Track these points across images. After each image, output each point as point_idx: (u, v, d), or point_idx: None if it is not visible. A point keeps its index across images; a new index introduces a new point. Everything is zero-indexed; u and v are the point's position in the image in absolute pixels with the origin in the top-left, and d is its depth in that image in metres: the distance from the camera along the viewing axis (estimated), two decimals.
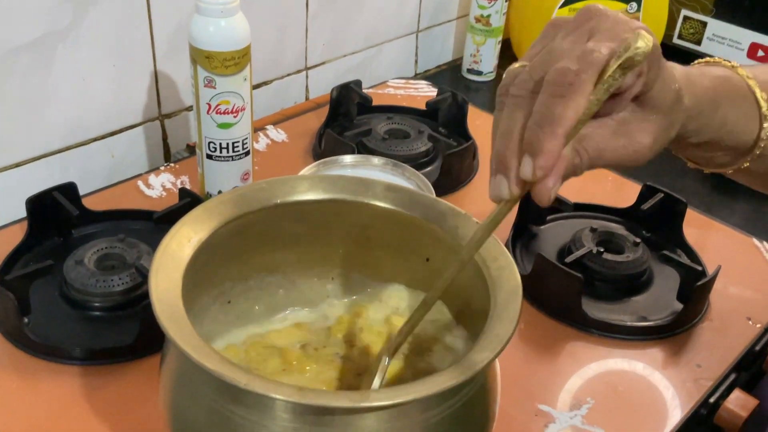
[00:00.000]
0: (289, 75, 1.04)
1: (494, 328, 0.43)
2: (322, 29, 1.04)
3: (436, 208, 0.52)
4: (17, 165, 0.81)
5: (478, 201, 0.87)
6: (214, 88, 0.72)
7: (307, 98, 1.08)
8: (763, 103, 0.52)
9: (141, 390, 0.61)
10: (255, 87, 0.99)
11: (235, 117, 0.74)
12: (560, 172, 0.41)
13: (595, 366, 0.68)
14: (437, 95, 0.98)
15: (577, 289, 0.69)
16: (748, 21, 1.23)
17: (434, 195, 0.77)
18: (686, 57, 1.31)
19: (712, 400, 0.66)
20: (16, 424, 0.58)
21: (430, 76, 1.23)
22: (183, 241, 0.46)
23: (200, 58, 0.71)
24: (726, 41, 1.27)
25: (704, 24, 1.28)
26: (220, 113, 0.73)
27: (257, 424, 0.40)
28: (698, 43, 1.30)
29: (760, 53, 1.24)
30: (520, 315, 0.44)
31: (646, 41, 0.38)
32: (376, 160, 0.78)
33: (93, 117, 0.86)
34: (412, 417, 0.42)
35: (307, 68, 1.06)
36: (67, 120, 0.83)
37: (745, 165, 0.54)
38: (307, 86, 1.08)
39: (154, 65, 0.88)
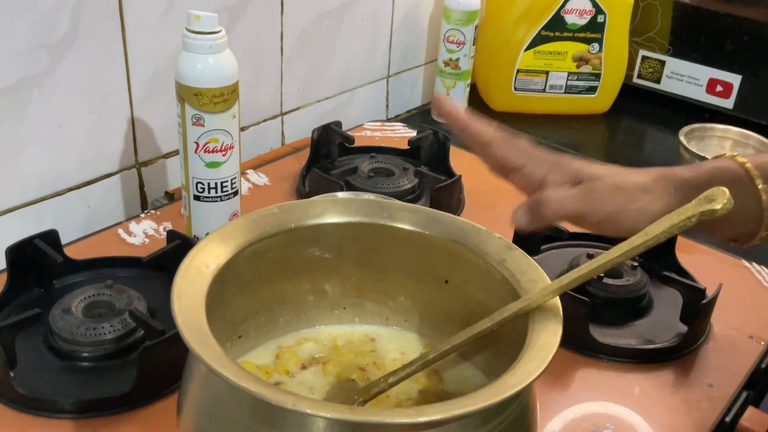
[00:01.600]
0: (265, 120, 1.03)
1: (539, 339, 0.41)
2: (297, 74, 1.04)
3: (457, 225, 0.51)
4: None
5: None
6: (203, 126, 0.70)
7: (283, 143, 1.07)
8: (759, 182, 0.54)
9: None
10: None
11: (224, 155, 0.72)
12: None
13: (609, 391, 0.67)
14: (418, 133, 0.97)
15: (584, 314, 0.68)
16: (705, 57, 1.28)
17: None
18: (646, 95, 1.36)
19: (728, 419, 0.65)
20: None
21: (402, 120, 1.24)
22: (201, 267, 0.44)
23: (188, 95, 0.69)
24: (684, 78, 1.31)
25: (662, 63, 1.32)
26: (209, 152, 0.71)
27: None
28: (657, 81, 1.34)
29: (719, 88, 1.28)
30: (562, 324, 0.42)
31: (727, 203, 0.44)
32: (366, 196, 0.77)
33: (68, 165, 0.82)
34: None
35: (282, 113, 1.05)
36: (42, 169, 0.80)
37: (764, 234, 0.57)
38: (282, 131, 1.06)
39: (131, 111, 0.86)
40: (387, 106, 1.24)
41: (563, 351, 0.70)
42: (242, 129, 1.00)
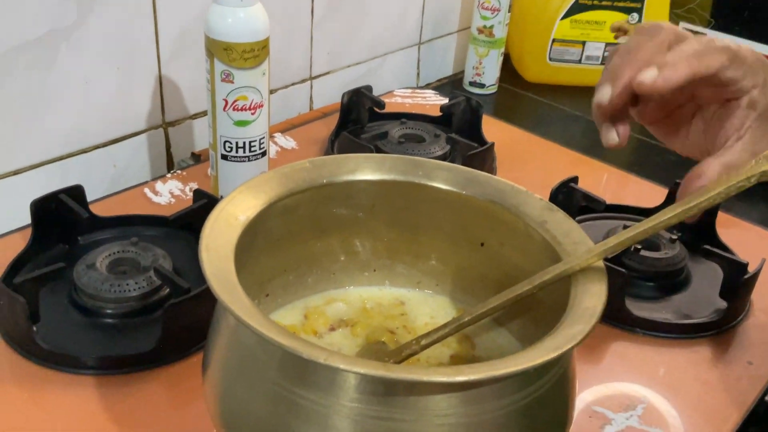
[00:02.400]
0: (294, 84, 1.01)
1: (582, 302, 0.39)
2: (327, 37, 1.02)
3: (494, 185, 0.49)
4: (15, 173, 0.76)
5: None
6: (232, 82, 0.68)
7: (311, 108, 1.05)
8: None
9: (164, 400, 0.56)
10: None
11: (252, 114, 0.70)
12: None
13: (644, 365, 0.64)
14: (450, 100, 0.95)
15: (620, 286, 0.66)
16: (747, 31, 1.23)
17: None
18: None
19: None
20: None
21: (433, 89, 1.21)
22: (230, 218, 0.42)
23: (218, 50, 0.67)
24: None
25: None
26: (237, 110, 0.70)
27: (326, 406, 0.35)
28: None
29: None
30: (607, 287, 0.40)
31: None
32: None
33: (95, 123, 0.81)
34: (487, 403, 0.37)
35: (312, 77, 1.03)
36: (68, 125, 0.79)
37: None
38: (311, 96, 1.04)
39: (159, 70, 0.84)
40: (418, 74, 1.21)
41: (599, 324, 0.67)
42: (271, 92, 0.98)
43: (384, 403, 0.36)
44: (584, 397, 0.60)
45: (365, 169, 0.49)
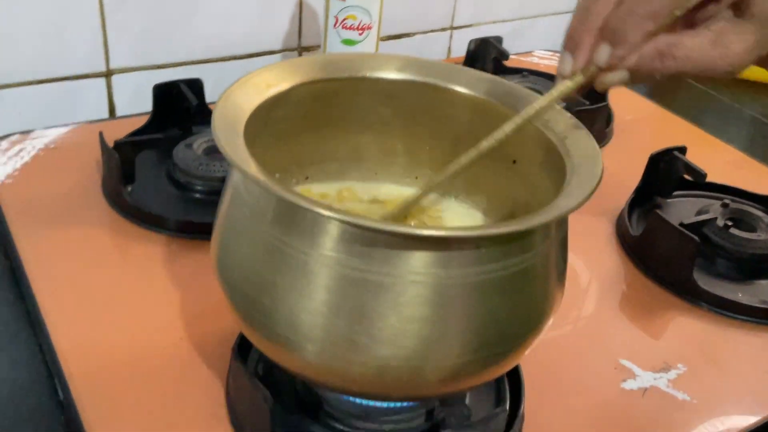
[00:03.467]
0: (433, 31, 1.04)
1: (578, 181, 0.40)
2: None
3: (529, 101, 0.49)
4: (158, 67, 0.85)
5: (608, 170, 0.81)
6: (344, 0, 0.72)
7: (448, 57, 1.07)
8: None
9: None
10: (396, 37, 0.99)
11: (360, 34, 0.74)
12: (631, 65, 0.41)
13: (698, 336, 0.61)
14: None
15: (690, 253, 0.63)
16: None
17: None
18: None
19: None
20: (102, 277, 0.60)
21: None
22: (261, 85, 0.46)
23: None
24: None
25: None
26: (346, 28, 0.73)
27: (308, 254, 0.38)
28: None
29: None
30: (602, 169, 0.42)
31: None
32: None
33: (235, 34, 0.88)
34: (463, 268, 0.38)
35: (452, 27, 1.05)
36: (211, 33, 0.87)
37: None
38: (450, 47, 1.06)
39: None
40: None
41: (661, 291, 0.65)
42: (408, 35, 1.01)
43: (361, 255, 0.37)
44: (613, 349, 0.58)
45: (408, 70, 0.51)
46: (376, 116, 0.52)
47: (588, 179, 0.41)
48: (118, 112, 0.85)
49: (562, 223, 0.43)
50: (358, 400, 0.48)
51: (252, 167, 0.38)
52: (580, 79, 0.43)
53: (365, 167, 0.55)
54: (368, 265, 0.38)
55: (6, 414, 0.49)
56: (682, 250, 0.63)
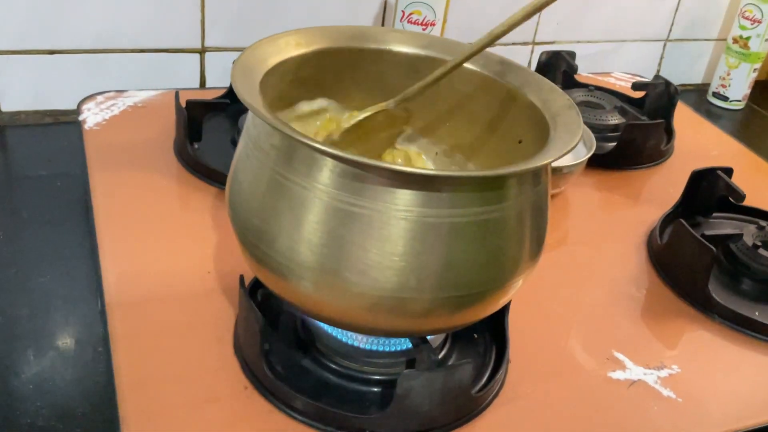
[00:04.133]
0: (514, 44, 1.07)
1: (552, 149, 0.44)
2: (559, 6, 1.06)
3: (534, 81, 0.52)
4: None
5: (658, 185, 0.83)
6: None
7: None
8: None
9: None
10: None
11: (423, 29, 0.79)
12: None
13: (703, 345, 0.62)
14: (651, 81, 0.94)
15: (707, 264, 0.63)
16: None
17: (594, 146, 0.75)
18: None
19: None
20: (155, 217, 0.67)
21: None
22: (290, 42, 0.52)
23: None
24: None
25: None
26: (411, 22, 0.79)
27: (306, 188, 0.43)
28: None
29: None
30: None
31: None
32: None
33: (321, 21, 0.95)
34: (444, 208, 0.42)
35: (534, 42, 1.08)
36: (300, 21, 0.94)
37: None
38: (530, 60, 1.09)
39: None
40: (658, 70, 1.19)
41: (676, 299, 0.66)
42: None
43: (351, 190, 0.42)
44: (610, 341, 0.60)
45: (412, 44, 0.55)
46: (390, 87, 0.57)
47: (560, 148, 0.44)
48: (208, 85, 0.93)
49: (536, 183, 0.46)
50: (344, 339, 0.53)
51: (260, 105, 0.44)
52: None
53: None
54: (357, 200, 0.42)
55: (56, 318, 0.57)
56: (699, 260, 0.64)
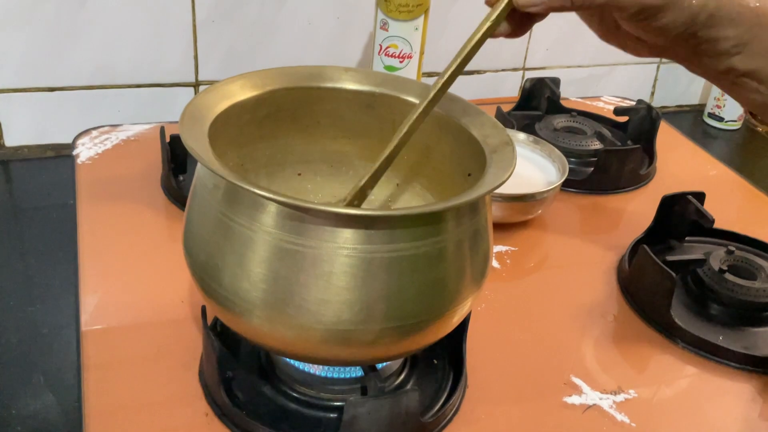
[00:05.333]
0: (504, 70, 1.09)
1: (484, 184, 0.46)
2: (547, 32, 1.07)
3: (478, 118, 0.54)
4: None
5: (636, 209, 0.84)
6: (387, 30, 0.80)
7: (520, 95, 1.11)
8: None
9: None
10: (467, 74, 1.06)
11: (400, 62, 0.82)
12: None
13: (664, 370, 0.63)
14: (633, 106, 0.95)
15: (668, 289, 0.64)
16: None
17: (567, 171, 0.77)
18: None
19: None
20: (136, 249, 0.70)
21: (668, 114, 1.19)
22: (246, 84, 0.54)
23: (381, 1, 0.80)
24: None
25: None
26: (388, 55, 0.81)
27: (253, 230, 0.45)
28: None
29: None
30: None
31: None
32: (521, 135, 0.81)
33: (306, 60, 0.99)
34: (384, 244, 0.44)
35: (524, 68, 1.10)
36: (290, 58, 0.97)
37: None
38: (522, 86, 1.11)
39: (375, 26, 0.99)
40: (652, 93, 1.20)
41: (642, 324, 0.67)
42: (479, 72, 1.07)
43: (292, 230, 0.44)
44: (569, 366, 0.61)
45: (367, 83, 0.58)
46: (359, 124, 0.59)
47: (490, 184, 0.46)
48: None
49: (473, 215, 0.48)
50: (302, 367, 0.55)
51: (207, 153, 0.46)
52: (504, 3, 0.49)
53: (348, 170, 0.62)
54: (299, 239, 0.45)
55: (43, 343, 0.61)
56: (661, 285, 0.65)
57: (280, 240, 0.45)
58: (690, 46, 0.50)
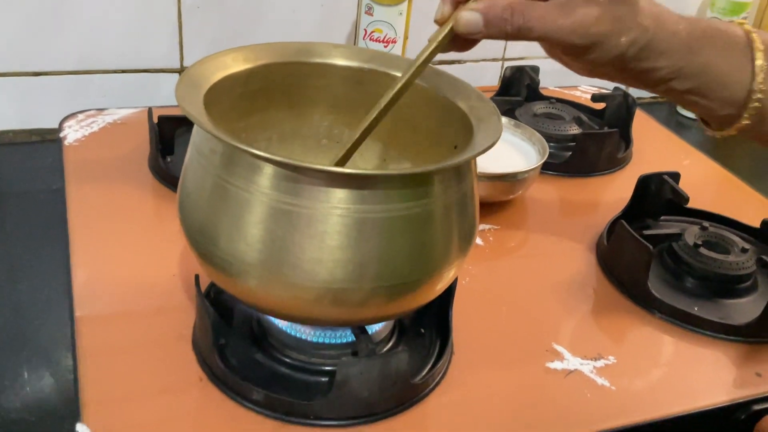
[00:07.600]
0: (484, 60, 1.11)
1: (471, 149, 0.48)
2: None
3: (464, 91, 0.56)
4: None
5: (613, 191, 0.86)
6: (372, 15, 0.82)
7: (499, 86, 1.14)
8: (759, 55, 0.50)
9: None
10: (448, 63, 1.08)
11: (385, 47, 0.83)
12: (482, 9, 0.49)
13: (642, 338, 0.65)
14: (610, 93, 0.98)
15: (645, 261, 0.67)
16: None
17: (547, 153, 0.79)
18: None
19: (756, 407, 0.60)
20: (126, 227, 0.71)
21: (646, 105, 1.22)
22: (238, 57, 0.56)
23: None
24: None
25: None
26: (373, 40, 0.83)
27: (249, 192, 0.47)
28: None
29: None
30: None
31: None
32: (502, 119, 0.83)
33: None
34: (377, 204, 0.46)
35: (504, 59, 1.12)
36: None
37: (745, 122, 0.54)
38: (501, 76, 1.13)
39: (357, 15, 1.01)
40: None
41: (620, 296, 0.69)
42: (460, 62, 1.09)
43: (290, 191, 0.45)
44: (551, 333, 0.63)
45: (356, 59, 0.59)
46: (346, 99, 0.61)
47: (477, 148, 0.48)
48: None
49: (460, 180, 0.50)
50: (293, 333, 0.56)
51: (200, 114, 0.48)
52: (447, 29, 0.51)
53: (337, 145, 0.64)
54: (294, 200, 0.46)
55: (32, 319, 0.61)
56: (638, 258, 0.67)
57: (276, 201, 0.46)
58: (627, 74, 0.53)
